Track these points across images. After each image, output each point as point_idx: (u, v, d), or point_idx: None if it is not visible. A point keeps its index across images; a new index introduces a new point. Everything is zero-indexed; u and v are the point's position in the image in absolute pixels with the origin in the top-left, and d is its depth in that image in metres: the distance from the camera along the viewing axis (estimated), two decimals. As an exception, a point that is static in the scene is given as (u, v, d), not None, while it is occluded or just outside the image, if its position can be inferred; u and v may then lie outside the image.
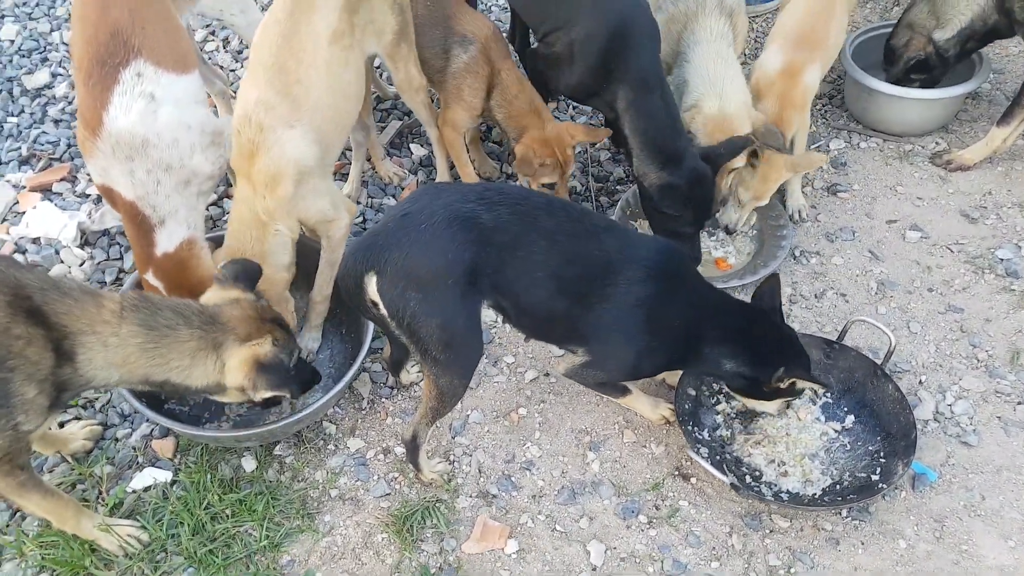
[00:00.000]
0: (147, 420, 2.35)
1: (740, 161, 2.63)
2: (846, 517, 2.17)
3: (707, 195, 2.56)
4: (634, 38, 2.50)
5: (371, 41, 2.49)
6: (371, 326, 2.32)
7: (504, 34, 3.16)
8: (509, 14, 3.41)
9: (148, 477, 2.23)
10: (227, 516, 2.15)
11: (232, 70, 3.61)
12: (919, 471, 2.22)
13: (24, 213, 2.95)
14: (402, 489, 2.25)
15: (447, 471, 2.28)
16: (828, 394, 2.39)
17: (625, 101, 2.53)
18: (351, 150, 3.00)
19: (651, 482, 2.26)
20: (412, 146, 3.31)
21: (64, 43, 3.73)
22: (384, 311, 1.89)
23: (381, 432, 2.40)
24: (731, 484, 2.09)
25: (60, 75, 3.58)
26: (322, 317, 2.52)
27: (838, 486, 2.20)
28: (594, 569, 2.09)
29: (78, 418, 2.39)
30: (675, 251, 2.13)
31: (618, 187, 3.17)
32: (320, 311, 2.50)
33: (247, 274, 2.00)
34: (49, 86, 3.52)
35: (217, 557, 2.07)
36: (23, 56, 3.67)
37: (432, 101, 2.88)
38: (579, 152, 3.32)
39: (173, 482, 2.24)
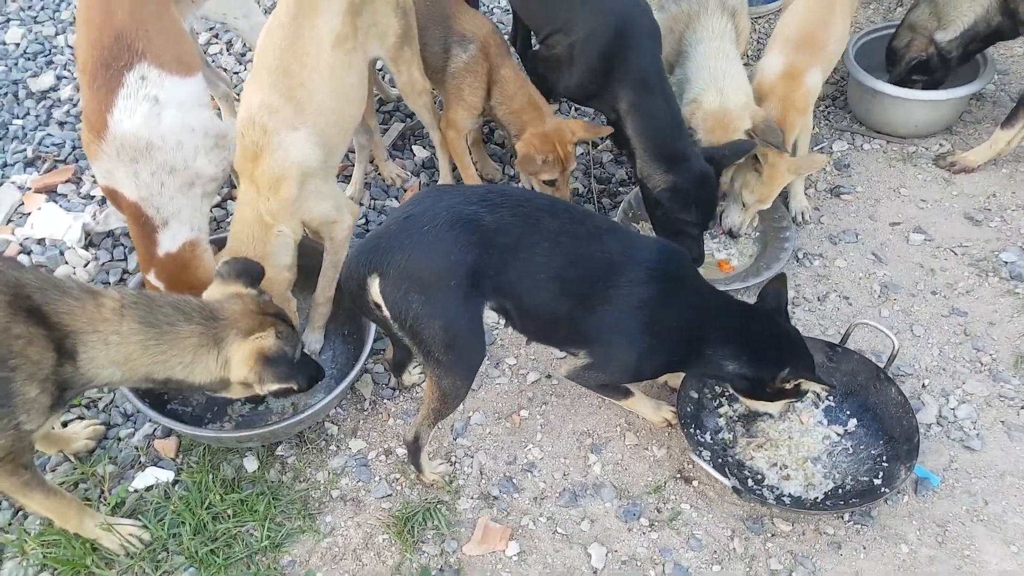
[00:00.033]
0: (149, 420, 2.36)
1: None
2: (848, 521, 2.16)
3: (711, 196, 2.56)
4: (634, 39, 2.50)
5: (374, 44, 2.50)
6: (373, 327, 2.32)
7: (506, 36, 3.17)
8: (511, 16, 3.42)
9: (150, 477, 2.24)
10: (228, 516, 2.15)
11: (235, 73, 3.63)
12: (922, 475, 2.21)
13: (29, 214, 2.97)
14: (403, 490, 2.25)
15: (448, 472, 2.28)
16: (831, 397, 2.39)
17: (626, 103, 2.53)
18: (354, 152, 3.01)
19: (653, 485, 2.25)
20: (415, 148, 3.31)
21: (69, 46, 3.75)
22: (387, 313, 1.90)
23: (383, 433, 2.40)
24: (733, 487, 2.09)
25: (65, 78, 3.60)
26: (325, 318, 2.52)
27: (840, 490, 2.19)
28: (595, 572, 2.08)
29: (81, 418, 2.40)
30: (677, 253, 2.13)
31: (620, 189, 3.17)
32: (323, 312, 2.51)
33: (249, 272, 2.00)
34: (54, 89, 3.55)
35: (218, 557, 2.07)
36: (28, 59, 3.69)
37: (435, 103, 2.88)
38: (582, 154, 3.32)
39: (175, 482, 2.24)
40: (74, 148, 3.23)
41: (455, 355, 1.93)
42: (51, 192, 3.07)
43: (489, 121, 3.25)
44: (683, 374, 2.35)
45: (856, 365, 2.37)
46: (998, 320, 2.64)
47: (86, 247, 2.88)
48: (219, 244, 2.42)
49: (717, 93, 2.62)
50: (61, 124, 3.36)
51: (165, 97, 2.24)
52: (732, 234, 2.84)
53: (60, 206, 2.98)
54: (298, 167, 2.18)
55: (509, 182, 3.17)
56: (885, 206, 3.05)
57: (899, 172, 3.19)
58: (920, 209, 3.03)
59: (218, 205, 3.02)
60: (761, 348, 2.09)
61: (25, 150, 3.22)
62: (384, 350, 2.52)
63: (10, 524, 2.16)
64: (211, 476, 2.23)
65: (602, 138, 3.38)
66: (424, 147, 3.30)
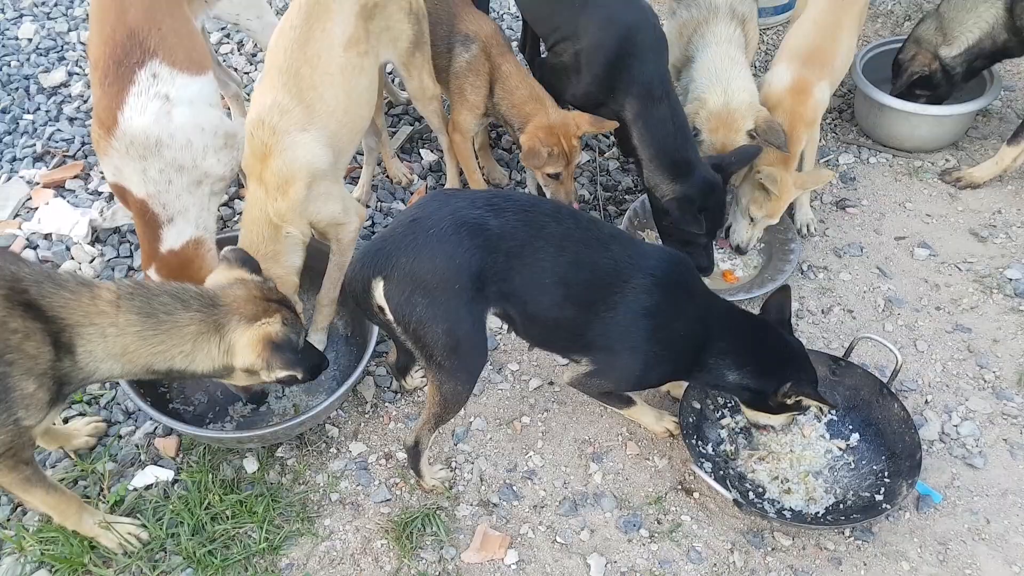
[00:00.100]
0: (151, 418, 2.35)
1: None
2: (849, 537, 2.15)
3: (719, 205, 2.56)
4: (640, 49, 2.51)
5: (386, 48, 2.51)
6: (376, 329, 2.32)
7: (514, 42, 3.17)
8: (521, 23, 3.43)
9: (150, 475, 2.24)
10: (227, 517, 2.15)
11: (246, 72, 3.64)
12: (924, 492, 2.20)
13: (37, 209, 2.97)
14: (403, 495, 2.25)
15: (448, 478, 2.27)
16: (833, 411, 2.38)
17: (632, 112, 2.54)
18: (362, 154, 3.02)
19: (653, 496, 2.25)
20: (422, 151, 3.32)
21: (81, 43, 3.77)
22: (390, 316, 1.90)
23: (383, 437, 2.40)
24: (734, 500, 2.08)
25: (76, 74, 3.62)
26: (328, 320, 2.52)
27: (841, 505, 2.18)
28: (594, 581, 2.07)
29: (82, 414, 2.40)
30: (682, 261, 2.13)
31: (626, 197, 3.18)
32: (327, 313, 2.51)
33: (253, 261, 1.99)
34: (65, 84, 3.56)
35: (216, 558, 2.07)
36: (40, 55, 3.71)
37: (444, 108, 2.89)
38: (588, 161, 3.33)
39: (174, 481, 2.24)
40: (83, 144, 3.24)
41: (457, 359, 1.93)
42: (59, 187, 3.08)
43: (497, 126, 3.26)
44: (685, 384, 2.34)
45: (859, 379, 2.36)
46: (1002, 337, 2.63)
47: (92, 243, 2.88)
48: (223, 244, 2.42)
49: (721, 93, 2.63)
50: (71, 120, 3.38)
51: (176, 95, 2.25)
52: (740, 250, 2.84)
53: (68, 201, 2.99)
54: (307, 168, 2.19)
55: (516, 187, 3.18)
56: (890, 220, 3.05)
57: (905, 186, 3.19)
58: (925, 224, 3.03)
59: (225, 204, 3.02)
60: (764, 360, 2.08)
61: (35, 145, 3.24)
62: (386, 353, 2.52)
63: (8, 520, 2.15)
64: (211, 476, 2.22)
65: (608, 145, 3.40)
66: (432, 151, 3.30)
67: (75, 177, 3.11)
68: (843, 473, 2.26)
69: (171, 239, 2.26)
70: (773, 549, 2.13)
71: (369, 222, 2.97)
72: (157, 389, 2.40)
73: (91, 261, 2.82)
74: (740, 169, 2.64)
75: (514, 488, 2.26)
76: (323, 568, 2.09)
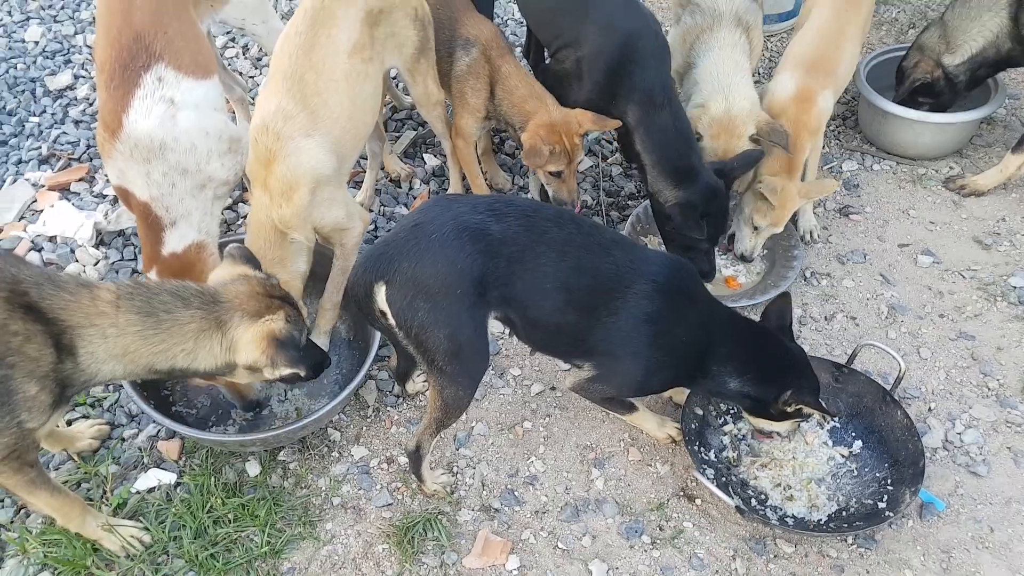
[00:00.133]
0: (154, 421, 2.36)
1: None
2: (852, 544, 2.14)
3: (722, 210, 2.56)
4: (641, 56, 2.51)
5: (391, 55, 2.52)
6: (378, 334, 2.32)
7: (517, 48, 3.18)
8: (525, 29, 3.44)
9: (152, 478, 2.24)
10: (229, 520, 2.15)
11: (251, 77, 3.66)
12: (927, 500, 2.20)
13: (42, 211, 2.99)
14: (404, 500, 2.25)
15: (450, 483, 2.27)
16: (836, 418, 2.37)
17: (635, 118, 2.54)
18: (366, 158, 3.03)
19: (655, 502, 2.24)
20: (425, 156, 3.33)
21: (87, 46, 3.79)
22: (392, 320, 1.90)
23: (385, 441, 2.40)
24: (736, 507, 2.08)
25: (82, 77, 3.64)
26: (331, 324, 2.53)
27: (844, 512, 2.17)
28: (595, 588, 2.07)
29: (86, 417, 2.41)
30: (684, 267, 2.13)
31: (629, 202, 3.18)
32: (329, 317, 2.51)
33: (256, 260, 1.98)
34: (71, 87, 3.58)
35: (218, 561, 2.07)
36: (47, 57, 3.73)
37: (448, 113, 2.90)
38: (591, 166, 3.33)
39: (177, 484, 2.24)
40: (89, 147, 3.25)
41: (459, 364, 1.93)
42: (64, 190, 3.09)
43: (501, 131, 3.27)
44: (688, 390, 2.34)
45: (862, 386, 2.36)
46: (1006, 345, 2.62)
47: (97, 246, 2.90)
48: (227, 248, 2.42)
49: (723, 99, 2.64)
50: (77, 123, 3.40)
51: (181, 99, 2.26)
52: (744, 258, 2.84)
53: (73, 204, 3.00)
54: (311, 174, 2.19)
55: (518, 192, 3.18)
56: (894, 227, 3.05)
57: (908, 193, 3.18)
58: (929, 231, 3.03)
59: (229, 207, 3.03)
60: (765, 367, 2.08)
61: (40, 147, 3.25)
62: (388, 357, 2.52)
63: (12, 522, 2.16)
64: (213, 479, 2.22)
65: (612, 151, 3.40)
66: (435, 155, 3.31)
67: (80, 180, 3.13)
68: (846, 480, 2.26)
69: (173, 242, 2.26)
70: (775, 556, 2.13)
71: (372, 226, 2.97)
72: (160, 392, 2.41)
73: (95, 264, 2.83)
74: (743, 174, 2.65)
75: (516, 493, 2.26)
76: (325, 572, 2.09)
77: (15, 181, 3.11)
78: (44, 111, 3.45)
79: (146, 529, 2.11)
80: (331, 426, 2.42)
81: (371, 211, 3.04)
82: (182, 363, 1.80)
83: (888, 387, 2.32)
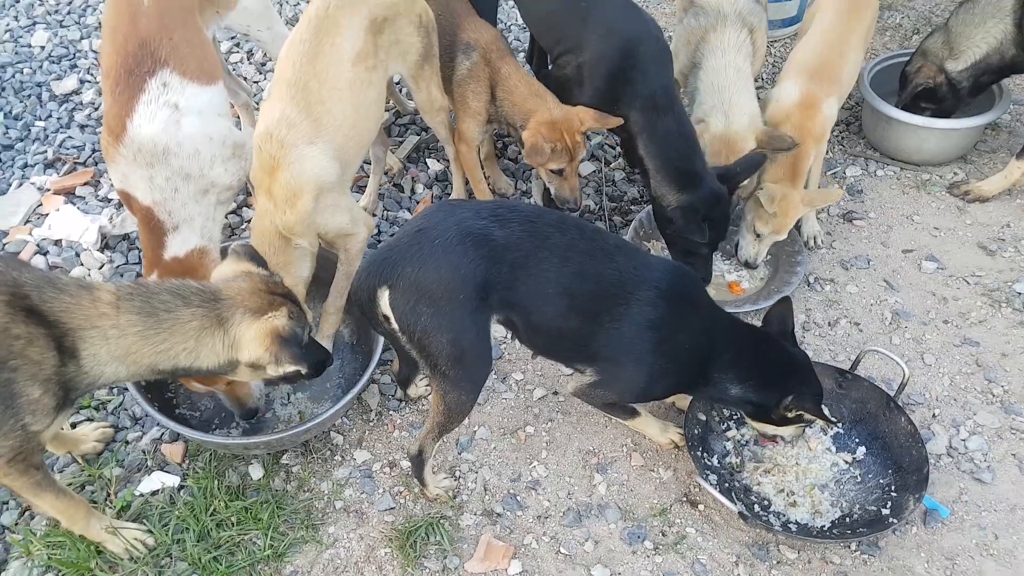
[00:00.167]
0: (157, 424, 2.37)
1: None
2: (855, 551, 2.13)
3: (724, 216, 2.56)
4: (642, 60, 2.51)
5: (395, 62, 2.53)
6: (382, 338, 2.33)
7: (521, 54, 3.19)
8: (529, 34, 3.45)
9: (156, 481, 2.25)
10: (232, 523, 2.15)
11: (256, 82, 3.67)
12: (931, 507, 2.19)
13: (47, 215, 3.01)
14: (407, 504, 2.25)
15: (452, 487, 2.27)
16: (840, 424, 2.37)
17: (637, 123, 2.55)
18: (370, 163, 3.04)
19: (658, 507, 2.24)
20: (429, 161, 3.34)
21: (93, 51, 3.82)
22: (395, 325, 1.91)
23: (388, 445, 2.40)
24: (739, 513, 2.07)
25: (88, 82, 3.66)
26: (334, 328, 2.53)
27: (848, 519, 2.17)
28: (597, 593, 2.07)
29: (90, 419, 2.42)
30: (687, 274, 2.13)
31: (632, 207, 3.18)
32: (333, 321, 2.52)
33: (260, 258, 1.98)
34: (77, 92, 3.60)
35: (221, 564, 2.07)
36: (53, 62, 3.76)
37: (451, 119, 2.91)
38: (594, 171, 3.34)
39: (180, 487, 2.25)
40: (94, 151, 3.27)
41: (462, 369, 1.94)
42: (69, 194, 3.11)
43: (503, 136, 3.28)
44: (690, 396, 2.33)
45: (866, 392, 2.35)
46: (1011, 352, 2.61)
47: (102, 249, 2.91)
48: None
49: (723, 115, 2.64)
50: (82, 127, 3.42)
51: (185, 104, 2.27)
52: (748, 265, 2.84)
53: (78, 208, 3.02)
54: (314, 181, 2.20)
55: (521, 197, 3.19)
56: (898, 233, 3.04)
57: (912, 199, 3.18)
58: (933, 237, 3.02)
59: (233, 212, 3.05)
60: (767, 373, 2.08)
61: (46, 152, 3.27)
62: (391, 361, 2.53)
63: (16, 524, 2.17)
64: (216, 483, 2.23)
65: (614, 156, 3.41)
66: (438, 160, 3.32)
67: (85, 184, 3.15)
68: (849, 486, 2.25)
69: (175, 247, 2.27)
70: (778, 562, 2.12)
71: (375, 230, 2.98)
72: (164, 394, 2.42)
73: (100, 267, 2.85)
74: (747, 178, 2.65)
75: (518, 498, 2.26)
76: (327, 576, 2.10)
77: (21, 185, 3.13)
78: (50, 115, 3.47)
79: (149, 532, 2.12)
80: (334, 430, 2.43)
81: (374, 215, 3.05)
82: (185, 362, 1.79)
83: (892, 393, 2.32)
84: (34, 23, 4.00)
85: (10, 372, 1.64)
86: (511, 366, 2.61)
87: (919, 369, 2.57)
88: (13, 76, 3.64)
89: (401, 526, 2.17)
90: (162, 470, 2.29)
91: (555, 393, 2.53)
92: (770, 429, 2.20)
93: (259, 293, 1.84)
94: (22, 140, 3.36)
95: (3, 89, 3.55)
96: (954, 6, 3.14)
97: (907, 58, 3.28)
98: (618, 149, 3.39)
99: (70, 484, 2.21)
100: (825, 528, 2.15)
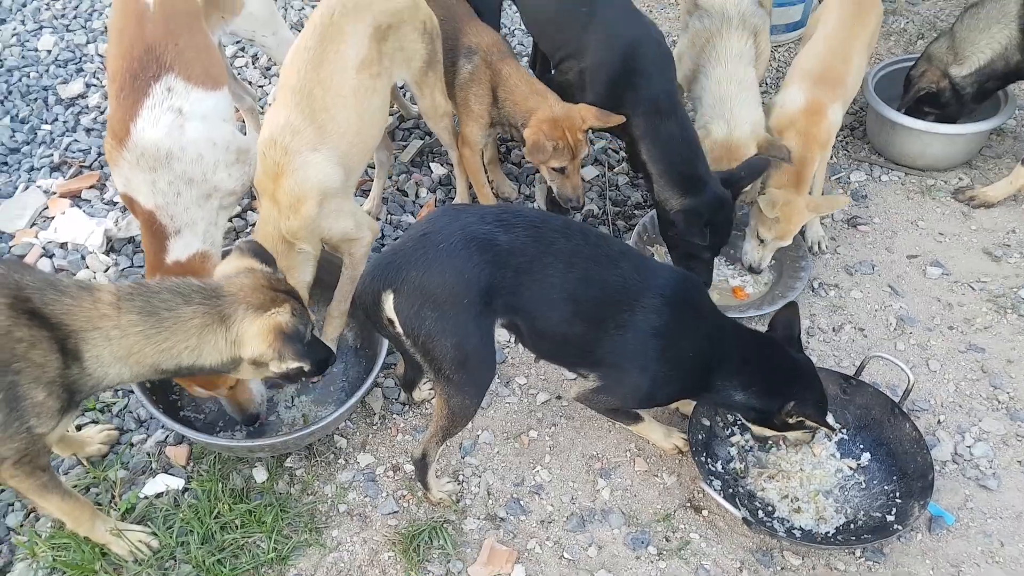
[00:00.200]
0: (162, 426, 2.37)
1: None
2: (860, 557, 2.12)
3: (726, 220, 2.56)
4: (644, 66, 2.51)
5: (400, 68, 2.54)
6: (386, 341, 2.33)
7: (524, 60, 3.19)
8: (532, 39, 3.46)
9: (160, 483, 2.25)
10: (236, 526, 2.16)
11: (261, 86, 3.69)
12: (936, 513, 2.18)
13: (53, 218, 3.02)
14: (410, 507, 2.25)
15: (456, 491, 2.27)
16: (844, 430, 2.36)
17: (640, 128, 2.55)
18: (374, 167, 3.05)
19: (662, 513, 2.23)
20: (432, 165, 3.35)
21: (99, 55, 3.84)
22: (400, 329, 1.91)
23: (391, 448, 2.40)
24: (743, 518, 2.07)
25: (94, 86, 3.68)
26: (338, 331, 2.54)
27: (852, 525, 2.16)
28: (600, 599, 2.06)
29: (95, 422, 2.42)
30: (691, 280, 2.13)
31: (636, 212, 3.18)
32: (337, 325, 2.52)
33: (265, 254, 1.97)
34: (83, 96, 3.62)
35: (225, 567, 2.07)
36: (59, 66, 3.78)
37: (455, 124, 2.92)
38: (598, 176, 3.34)
39: (185, 490, 2.25)
40: (99, 155, 3.29)
41: (466, 373, 1.94)
42: (75, 197, 3.12)
43: (507, 140, 3.28)
44: (694, 401, 2.33)
45: (870, 398, 2.34)
46: (1016, 358, 2.60)
47: (107, 252, 2.92)
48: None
49: (725, 124, 2.65)
50: (88, 131, 3.43)
51: (190, 109, 2.28)
52: (752, 270, 2.84)
53: (83, 211, 3.03)
54: (318, 188, 2.21)
55: (525, 202, 3.19)
56: (902, 238, 3.04)
57: (917, 204, 3.17)
58: (938, 242, 3.01)
59: (237, 216, 3.06)
60: (770, 379, 2.07)
61: (52, 155, 3.29)
62: (395, 364, 2.53)
63: (21, 526, 2.17)
64: (220, 485, 2.23)
65: (618, 160, 3.41)
66: (442, 164, 3.33)
67: (91, 187, 3.16)
68: (854, 493, 2.24)
69: (177, 251, 2.28)
70: (782, 568, 2.11)
71: (379, 234, 2.99)
72: (168, 397, 2.42)
73: (106, 270, 2.86)
74: (750, 183, 2.64)
75: (521, 503, 2.26)
76: (330, 580, 2.10)
77: (27, 188, 3.15)
78: (56, 119, 3.49)
79: (154, 534, 2.12)
80: (338, 433, 2.43)
81: (378, 219, 3.06)
82: (187, 360, 1.79)
83: (897, 399, 2.31)
84: (41, 27, 4.02)
85: (14, 375, 1.64)
86: (515, 370, 2.61)
87: (924, 375, 2.56)
88: (20, 80, 3.66)
89: (404, 530, 2.17)
90: (166, 472, 2.29)
91: (558, 398, 2.53)
92: (771, 434, 2.20)
93: (261, 289, 1.84)
94: (28, 143, 3.37)
95: (10, 93, 3.57)
96: (959, 11, 3.14)
97: (912, 63, 3.28)
98: (622, 153, 3.40)
99: (75, 486, 2.22)
100: (829, 534, 2.14)
